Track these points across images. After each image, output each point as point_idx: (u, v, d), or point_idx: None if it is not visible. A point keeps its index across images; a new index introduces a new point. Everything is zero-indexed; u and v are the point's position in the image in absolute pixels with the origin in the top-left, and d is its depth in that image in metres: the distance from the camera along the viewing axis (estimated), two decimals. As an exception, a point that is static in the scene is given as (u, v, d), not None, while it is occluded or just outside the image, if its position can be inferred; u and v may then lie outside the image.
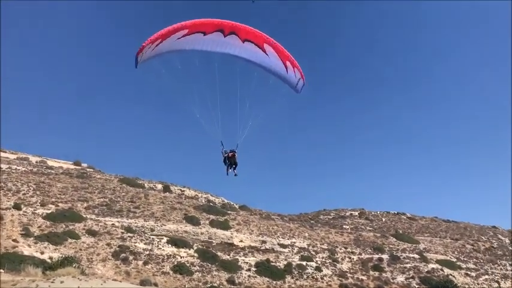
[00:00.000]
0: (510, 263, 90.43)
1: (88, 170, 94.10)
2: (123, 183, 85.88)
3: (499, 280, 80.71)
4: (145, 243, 60.61)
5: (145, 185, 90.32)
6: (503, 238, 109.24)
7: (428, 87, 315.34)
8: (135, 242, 59.90)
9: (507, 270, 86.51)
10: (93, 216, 63.84)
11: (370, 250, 79.34)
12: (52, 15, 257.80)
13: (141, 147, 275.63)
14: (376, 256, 77.13)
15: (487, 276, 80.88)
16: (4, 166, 77.28)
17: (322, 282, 64.61)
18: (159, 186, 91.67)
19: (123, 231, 61.84)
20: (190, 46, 25.64)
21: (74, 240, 55.58)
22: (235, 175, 28.98)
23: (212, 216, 76.35)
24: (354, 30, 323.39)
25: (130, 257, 56.07)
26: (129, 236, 60.82)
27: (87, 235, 57.96)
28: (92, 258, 53.00)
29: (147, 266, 55.67)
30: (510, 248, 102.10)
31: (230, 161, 28.60)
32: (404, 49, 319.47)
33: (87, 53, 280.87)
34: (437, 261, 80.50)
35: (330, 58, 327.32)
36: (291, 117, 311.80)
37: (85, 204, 67.34)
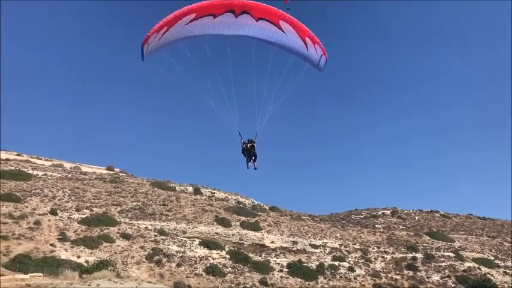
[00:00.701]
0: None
1: (121, 174, 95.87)
2: (155, 187, 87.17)
3: (540, 278, 78.07)
4: (178, 246, 61.41)
5: (177, 188, 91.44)
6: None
7: (460, 85, 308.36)
8: (168, 245, 60.76)
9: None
10: (127, 220, 65.05)
11: (403, 249, 78.13)
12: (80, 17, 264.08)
13: (171, 151, 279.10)
14: (410, 255, 75.90)
15: (527, 275, 78.35)
16: (40, 173, 79.58)
17: (356, 282, 64.03)
18: (190, 189, 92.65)
19: (156, 234, 62.82)
20: (200, 31, 23.55)
21: (108, 243, 56.79)
22: (255, 168, 26.83)
23: (243, 218, 76.67)
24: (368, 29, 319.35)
25: (164, 259, 56.91)
26: (162, 239, 61.74)
27: (121, 238, 59.12)
28: (126, 261, 54.06)
29: (180, 268, 56.39)
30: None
31: (249, 153, 26.57)
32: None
33: (114, 57, 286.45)
34: (474, 260, 78.53)
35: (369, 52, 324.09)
36: (321, 117, 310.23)
37: (118, 208, 68.67)
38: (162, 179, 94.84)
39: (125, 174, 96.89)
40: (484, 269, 75.52)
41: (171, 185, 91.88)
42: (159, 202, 75.87)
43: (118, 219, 64.20)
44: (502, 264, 79.88)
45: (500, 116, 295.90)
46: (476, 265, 76.49)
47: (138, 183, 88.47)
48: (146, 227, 64.17)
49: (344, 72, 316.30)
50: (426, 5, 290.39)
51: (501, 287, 68.30)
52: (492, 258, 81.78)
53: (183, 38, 23.84)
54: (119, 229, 61.39)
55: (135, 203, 72.50)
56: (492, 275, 74.07)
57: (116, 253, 55.16)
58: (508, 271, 77.85)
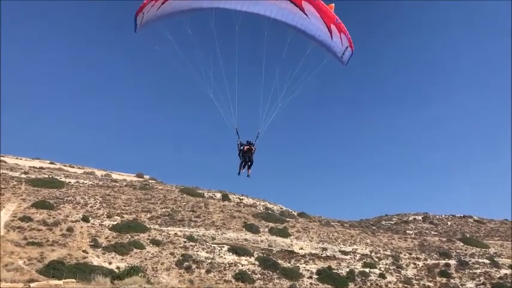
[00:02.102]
0: None
1: (150, 181, 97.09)
2: (184, 193, 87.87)
3: None
4: (207, 252, 61.65)
5: (205, 194, 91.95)
6: None
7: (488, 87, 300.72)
8: (197, 251, 61.07)
9: None
10: (157, 226, 65.72)
11: (436, 255, 76.41)
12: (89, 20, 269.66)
13: (200, 157, 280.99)
14: (442, 261, 74.18)
15: None
16: (72, 181, 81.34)
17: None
18: (218, 195, 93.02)
19: (185, 240, 63.25)
20: (208, 3, 20.28)
21: (139, 250, 57.44)
22: (248, 176, 23.77)
23: (271, 224, 76.44)
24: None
25: (193, 266, 57.20)
26: (191, 245, 62.11)
27: (151, 245, 59.73)
28: (156, 267, 54.54)
29: (209, 274, 56.56)
30: None
31: (245, 157, 23.37)
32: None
33: (136, 62, 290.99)
34: (510, 266, 76.08)
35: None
36: (350, 120, 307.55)
37: (148, 215, 69.47)
38: (190, 186, 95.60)
39: (154, 181, 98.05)
40: (521, 276, 73.10)
41: (200, 192, 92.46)
42: (187, 208, 76.42)
43: (148, 226, 64.92)
44: (540, 271, 77.15)
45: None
46: (513, 272, 74.11)
47: (167, 190, 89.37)
48: (175, 233, 64.69)
49: (376, 67, 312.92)
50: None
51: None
52: (529, 264, 79.10)
53: (186, 9, 20.55)
54: (148, 235, 62.05)
55: (164, 210, 73.20)
56: (530, 282, 71.65)
57: (146, 259, 55.74)
58: (546, 278, 75.13)
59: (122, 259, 53.90)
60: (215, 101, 22.35)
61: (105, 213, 66.11)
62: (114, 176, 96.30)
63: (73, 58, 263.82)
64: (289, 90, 22.56)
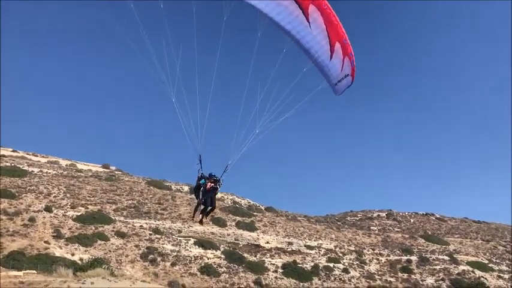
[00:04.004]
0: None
1: (116, 172, 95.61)
2: (151, 186, 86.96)
3: (533, 282, 78.35)
4: (172, 245, 61.26)
5: (172, 187, 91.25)
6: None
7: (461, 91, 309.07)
8: (163, 244, 60.60)
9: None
10: (122, 218, 64.84)
11: (398, 251, 78.22)
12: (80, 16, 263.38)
13: (167, 150, 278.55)
14: (404, 258, 75.99)
15: (520, 279, 78.61)
16: (36, 169, 79.23)
17: (350, 284, 64.04)
18: (186, 188, 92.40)
19: (151, 232, 62.64)
20: None
21: (103, 241, 56.57)
22: (201, 222, 19.30)
23: (238, 218, 76.56)
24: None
25: (158, 258, 56.75)
26: (157, 238, 61.57)
27: (116, 237, 58.92)
28: (121, 260, 53.87)
29: (175, 267, 56.25)
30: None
31: (205, 197, 18.34)
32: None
33: (111, 55, 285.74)
34: (468, 263, 78.69)
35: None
36: (318, 117, 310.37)
37: (114, 207, 68.44)
38: (157, 178, 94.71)
39: (120, 173, 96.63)
40: (478, 273, 75.68)
41: (167, 184, 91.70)
42: (154, 201, 75.66)
43: (113, 218, 63.97)
44: (496, 268, 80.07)
45: (498, 119, 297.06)
46: (471, 268, 76.65)
47: (134, 182, 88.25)
48: (141, 226, 63.98)
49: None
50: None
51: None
52: (486, 261, 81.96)
53: None
54: (113, 227, 61.17)
55: (130, 202, 72.27)
56: (486, 278, 74.26)
57: (110, 251, 54.95)
58: (501, 275, 78.03)
59: (85, 251, 52.96)
60: (178, 110, 17.36)
61: (69, 203, 64.75)
62: (80, 166, 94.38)
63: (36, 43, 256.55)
64: (269, 115, 17.57)
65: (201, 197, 18.57)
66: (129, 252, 56.14)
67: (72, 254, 50.82)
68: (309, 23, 16.42)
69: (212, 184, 18.11)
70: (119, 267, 51.24)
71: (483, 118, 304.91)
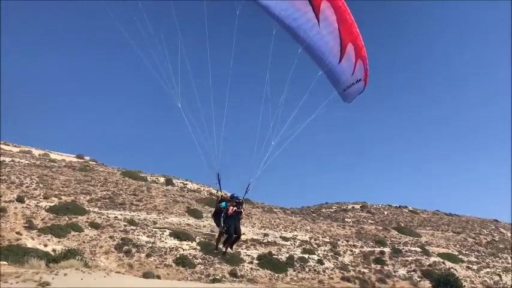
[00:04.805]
0: (511, 256, 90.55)
1: (91, 163, 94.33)
2: (126, 176, 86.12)
3: (500, 273, 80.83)
4: (148, 236, 60.88)
5: (148, 178, 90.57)
6: (504, 231, 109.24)
7: (428, 82, 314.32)
8: (137, 235, 60.18)
9: (508, 263, 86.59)
10: (96, 209, 64.11)
11: (371, 243, 79.52)
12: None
13: (143, 140, 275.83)
14: (378, 249, 77.32)
15: (488, 270, 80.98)
16: (7, 159, 77.54)
17: (324, 275, 64.84)
18: (162, 180, 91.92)
19: (125, 224, 62.13)
20: None
21: (77, 232, 55.85)
22: (225, 253, 17.12)
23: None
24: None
25: (133, 250, 56.37)
26: (131, 229, 61.10)
27: (90, 228, 58.23)
28: (95, 251, 53.31)
29: (149, 259, 55.96)
30: (511, 241, 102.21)
31: (228, 224, 15.74)
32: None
33: (88, 45, 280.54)
34: (439, 255, 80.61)
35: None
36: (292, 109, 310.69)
37: (88, 197, 67.60)
38: (133, 169, 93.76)
39: (95, 163, 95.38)
40: (448, 264, 77.64)
41: (142, 175, 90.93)
42: (129, 192, 75.00)
43: (87, 208, 63.19)
44: (466, 259, 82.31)
45: (470, 111, 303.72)
46: (441, 260, 78.55)
47: (109, 173, 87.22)
48: (116, 217, 63.38)
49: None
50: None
51: (464, 281, 70.31)
52: (456, 253, 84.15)
53: None
54: (87, 218, 60.44)
55: (105, 192, 71.48)
56: (456, 269, 76.23)
57: (84, 242, 54.32)
58: (470, 266, 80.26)
59: (58, 241, 52.20)
60: (185, 116, 15.19)
61: (42, 194, 63.64)
62: (53, 156, 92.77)
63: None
64: (280, 123, 15.55)
65: (222, 224, 15.72)
66: (103, 244, 55.58)
67: (45, 245, 50.04)
68: (318, 21, 14.61)
69: (235, 208, 15.67)
70: (93, 259, 50.71)
71: (454, 113, 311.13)
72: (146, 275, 49.11)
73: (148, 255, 56.57)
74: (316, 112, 15.98)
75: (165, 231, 63.53)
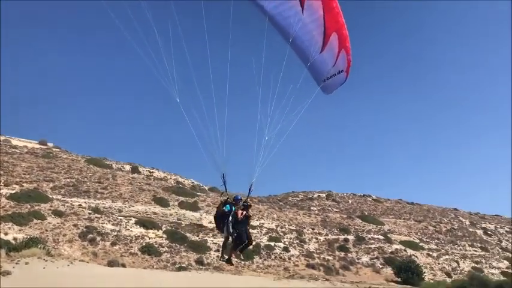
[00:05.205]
0: (469, 243, 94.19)
1: (54, 149, 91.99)
2: (90, 164, 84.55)
3: (458, 260, 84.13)
4: (113, 224, 60.15)
5: (113, 165, 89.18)
6: (463, 220, 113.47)
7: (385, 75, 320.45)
8: (102, 223, 59.36)
9: (466, 250, 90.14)
10: (59, 197, 62.78)
11: (336, 231, 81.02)
12: None
13: (109, 127, 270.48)
14: (342, 237, 78.90)
15: (447, 256, 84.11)
16: (-35, 145, 74.91)
17: (290, 262, 65.77)
18: (127, 167, 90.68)
19: (90, 212, 61.14)
20: None
21: (39, 220, 54.58)
22: (229, 261, 15.99)
23: (181, 198, 76.24)
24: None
25: (98, 238, 55.61)
26: (96, 217, 60.19)
27: (53, 216, 57.02)
28: (58, 239, 52.30)
29: (114, 247, 55.38)
30: (470, 229, 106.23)
31: (240, 230, 14.68)
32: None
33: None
34: (401, 242, 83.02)
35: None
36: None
37: (51, 185, 66.10)
38: (98, 156, 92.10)
39: (58, 150, 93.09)
40: (409, 251, 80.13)
41: (108, 163, 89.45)
42: (94, 179, 73.75)
43: (50, 196, 61.79)
44: (426, 247, 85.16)
45: (427, 100, 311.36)
46: (403, 247, 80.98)
47: (73, 160, 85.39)
48: (80, 205, 62.27)
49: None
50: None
51: (424, 268, 72.74)
52: (417, 241, 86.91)
53: None
54: (50, 206, 59.14)
55: (68, 180, 70.04)
56: (417, 256, 78.80)
57: (47, 230, 53.17)
58: (430, 253, 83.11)
59: (19, 230, 50.88)
60: (184, 113, 14.35)
61: (3, 181, 61.79)
62: (14, 142, 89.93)
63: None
64: (275, 117, 14.90)
65: (231, 230, 14.53)
66: (67, 232, 54.58)
67: (6, 234, 48.67)
68: (302, 8, 13.67)
69: (244, 212, 14.71)
70: (56, 247, 49.79)
71: (412, 101, 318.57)
72: (111, 264, 48.72)
73: (113, 244, 55.96)
74: (302, 110, 15.30)
75: (130, 219, 62.91)
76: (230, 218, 14.66)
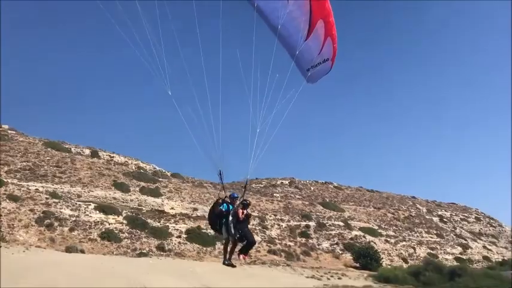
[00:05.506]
0: (426, 230, 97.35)
1: (9, 132, 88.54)
2: (48, 147, 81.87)
3: (415, 246, 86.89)
4: (71, 210, 58.64)
5: (72, 149, 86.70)
6: (420, 207, 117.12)
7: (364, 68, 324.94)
8: (60, 208, 57.75)
9: (423, 237, 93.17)
10: (15, 181, 60.58)
11: (298, 217, 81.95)
12: None
13: (67, 108, 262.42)
14: (303, 223, 79.90)
15: (404, 243, 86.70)
16: None
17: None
18: (87, 151, 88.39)
19: (47, 196, 59.33)
20: None
21: (-7, 205, 52.60)
22: (231, 262, 14.86)
23: (142, 183, 75.09)
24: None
25: (56, 223, 54.12)
26: (54, 202, 58.49)
27: (8, 200, 54.99)
28: (13, 225, 50.55)
29: (73, 233, 54.08)
30: (426, 216, 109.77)
31: (242, 230, 14.05)
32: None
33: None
34: (360, 229, 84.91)
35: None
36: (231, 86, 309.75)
37: (6, 168, 63.65)
38: (56, 140, 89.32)
39: (14, 132, 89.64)
40: (368, 237, 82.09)
41: (66, 146, 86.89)
42: (52, 163, 71.54)
43: (5, 180, 59.53)
44: (384, 233, 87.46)
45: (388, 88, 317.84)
46: (362, 234, 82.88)
47: (29, 143, 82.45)
48: (37, 189, 60.31)
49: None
50: None
51: (382, 254, 74.75)
52: (376, 227, 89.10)
53: None
54: (5, 190, 57.00)
55: (25, 163, 67.64)
56: (375, 242, 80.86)
57: (1, 216, 51.26)
58: (388, 239, 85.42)
59: (-29, 215, 48.98)
60: (176, 105, 13.62)
61: (-47, 164, 59.15)
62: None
63: None
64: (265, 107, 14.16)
65: (233, 231, 13.59)
66: (22, 217, 52.81)
67: (-44, 219, 46.77)
68: None
69: (245, 211, 13.90)
70: (11, 232, 48.18)
71: (370, 92, 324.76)
72: (69, 250, 47.61)
73: (71, 229, 54.62)
74: (293, 99, 14.70)
75: (90, 204, 61.51)
76: (231, 218, 13.79)
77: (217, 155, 13.82)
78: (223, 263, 14.55)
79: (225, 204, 14.12)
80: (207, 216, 15.23)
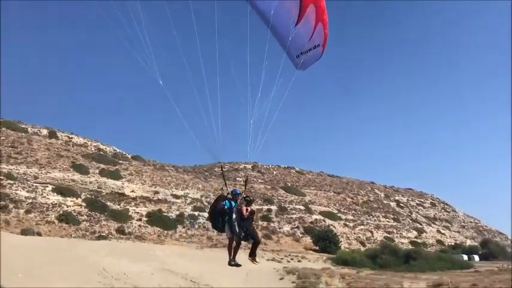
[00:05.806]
0: (383, 215, 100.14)
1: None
2: (3, 127, 78.81)
3: (372, 230, 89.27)
4: (27, 191, 56.91)
5: (29, 129, 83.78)
6: (379, 192, 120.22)
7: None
8: (16, 190, 55.94)
9: (380, 221, 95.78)
10: (-33, 161, 58.22)
11: (260, 201, 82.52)
12: None
13: (23, 86, 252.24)
14: (266, 207, 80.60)
15: (362, 227, 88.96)
16: None
17: (213, 231, 66.07)
18: (44, 132, 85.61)
19: (2, 177, 57.29)
20: None
21: None
22: (235, 262, 13.79)
23: (102, 166, 73.64)
24: None
25: (11, 205, 52.41)
26: (9, 183, 56.55)
27: (-41, 181, 52.86)
28: (-36, 206, 48.67)
29: (29, 215, 52.56)
30: (384, 201, 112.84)
31: (247, 229, 13.28)
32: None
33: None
34: (321, 213, 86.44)
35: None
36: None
37: (-43, 148, 61.05)
38: (12, 119, 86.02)
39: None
40: (328, 221, 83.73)
41: (23, 126, 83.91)
42: (7, 143, 69.01)
43: (-44, 160, 57.15)
44: (343, 217, 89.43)
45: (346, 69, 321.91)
46: (322, 217, 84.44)
47: (-17, 122, 79.27)
48: (-9, 170, 58.15)
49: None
50: None
51: (340, 237, 76.50)
52: (336, 211, 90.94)
53: None
54: (-44, 171, 54.73)
55: (-22, 143, 65.06)
56: (334, 226, 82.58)
57: (-49, 197, 49.28)
58: (347, 223, 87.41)
59: None
60: (169, 95, 12.70)
61: None
62: None
63: None
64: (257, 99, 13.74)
65: (237, 229, 12.95)
66: (-25, 199, 50.90)
67: None
68: None
69: (249, 208, 13.20)
70: (-38, 215, 46.34)
71: (340, 76, 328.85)
72: (25, 232, 46.22)
73: (28, 212, 53.06)
74: (287, 90, 14.04)
75: (47, 186, 59.86)
76: (234, 216, 13.11)
77: (218, 149, 13.10)
78: (229, 264, 13.47)
79: (227, 201, 13.33)
80: (207, 214, 13.72)
